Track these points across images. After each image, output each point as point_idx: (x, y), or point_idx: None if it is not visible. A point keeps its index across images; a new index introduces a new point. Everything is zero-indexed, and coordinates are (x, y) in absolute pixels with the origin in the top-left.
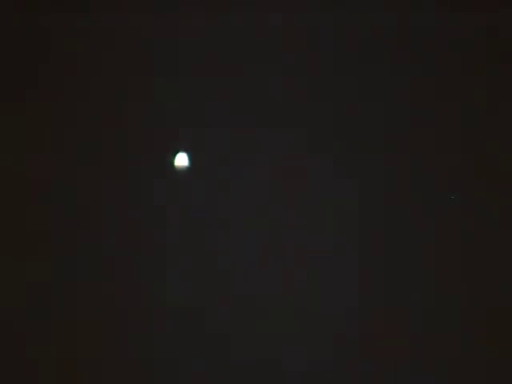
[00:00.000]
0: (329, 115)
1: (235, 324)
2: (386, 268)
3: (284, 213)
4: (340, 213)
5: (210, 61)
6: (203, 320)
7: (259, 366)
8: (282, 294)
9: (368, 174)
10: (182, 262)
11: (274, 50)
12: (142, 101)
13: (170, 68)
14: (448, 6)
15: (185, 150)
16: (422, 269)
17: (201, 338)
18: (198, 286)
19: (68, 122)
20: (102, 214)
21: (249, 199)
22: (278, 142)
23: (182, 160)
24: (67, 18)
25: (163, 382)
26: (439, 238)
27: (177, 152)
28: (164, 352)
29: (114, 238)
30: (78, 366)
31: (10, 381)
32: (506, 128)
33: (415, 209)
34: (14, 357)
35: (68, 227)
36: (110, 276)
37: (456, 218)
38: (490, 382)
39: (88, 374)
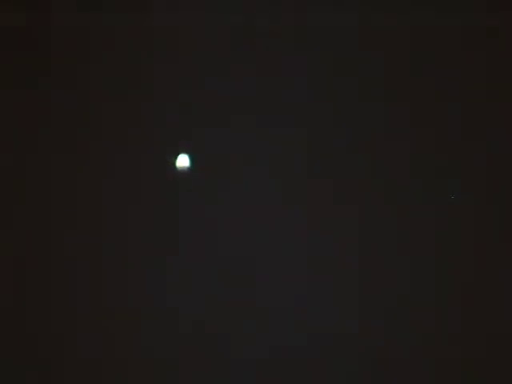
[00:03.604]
0: (329, 115)
1: (235, 325)
2: (386, 268)
3: (284, 213)
4: (340, 213)
5: (210, 60)
6: (203, 320)
7: (259, 367)
8: (281, 294)
9: (368, 173)
10: (182, 262)
11: (274, 50)
12: (142, 101)
13: (170, 68)
14: (448, 6)
15: (186, 152)
16: (421, 269)
17: (201, 338)
18: (198, 287)
19: (68, 121)
20: (101, 214)
21: (249, 200)
22: (278, 142)
23: (183, 161)
24: (67, 18)
25: (163, 382)
26: (439, 238)
27: (178, 153)
28: (164, 352)
29: (114, 239)
30: (81, 366)
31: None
32: (506, 128)
33: (415, 208)
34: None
35: (67, 227)
36: (110, 276)
37: (456, 218)
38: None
39: (88, 374)
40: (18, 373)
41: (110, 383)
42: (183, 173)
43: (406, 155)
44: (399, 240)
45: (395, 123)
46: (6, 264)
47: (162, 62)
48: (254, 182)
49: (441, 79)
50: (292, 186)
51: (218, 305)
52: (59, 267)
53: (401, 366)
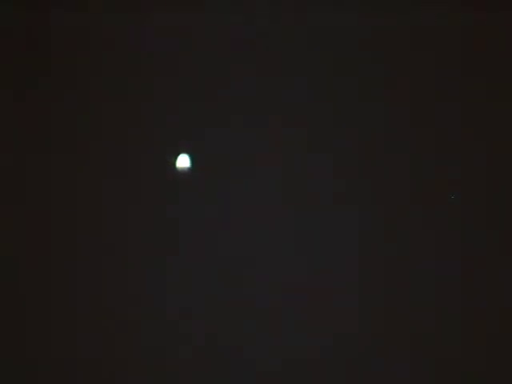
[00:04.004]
0: (329, 115)
1: (235, 325)
2: (386, 268)
3: (284, 213)
4: (340, 213)
5: (210, 60)
6: (203, 320)
7: (259, 367)
8: (281, 294)
9: (368, 173)
10: (182, 262)
11: (274, 50)
12: (142, 101)
13: (170, 68)
14: (448, 6)
15: (186, 151)
16: (421, 269)
17: (201, 338)
18: (198, 287)
19: (68, 121)
20: (101, 214)
21: (249, 200)
22: (278, 142)
23: (183, 161)
24: (67, 18)
25: (163, 382)
26: (439, 238)
27: (178, 153)
28: (164, 352)
29: (114, 239)
30: (78, 366)
31: (10, 381)
32: (506, 128)
33: (415, 208)
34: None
35: (68, 228)
36: (110, 276)
37: (456, 218)
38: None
39: (88, 374)
40: (18, 373)
41: (110, 383)
42: (183, 173)
43: (406, 155)
44: (399, 240)
45: (395, 123)
46: (6, 263)
47: (161, 61)
48: (254, 181)
49: (441, 79)
50: (292, 185)
51: (218, 305)
52: (59, 267)
53: (401, 366)
